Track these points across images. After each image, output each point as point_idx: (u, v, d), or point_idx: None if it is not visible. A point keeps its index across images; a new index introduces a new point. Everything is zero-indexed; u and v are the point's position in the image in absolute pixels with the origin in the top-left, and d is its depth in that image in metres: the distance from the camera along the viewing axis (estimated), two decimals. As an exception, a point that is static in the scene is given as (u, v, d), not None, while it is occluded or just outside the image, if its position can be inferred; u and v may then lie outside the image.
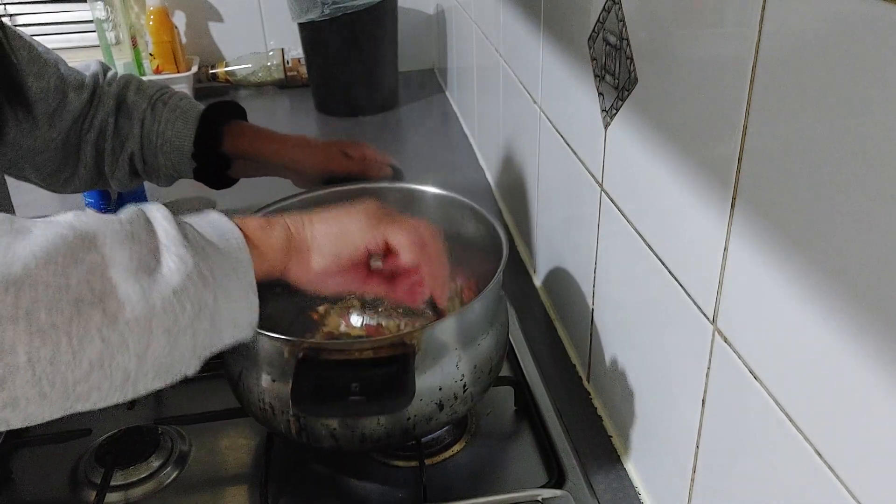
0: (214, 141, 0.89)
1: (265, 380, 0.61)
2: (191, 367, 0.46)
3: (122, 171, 0.86)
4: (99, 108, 0.89)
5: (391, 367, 0.57)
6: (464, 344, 0.62)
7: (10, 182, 1.37)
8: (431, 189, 0.78)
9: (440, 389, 0.61)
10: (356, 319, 0.78)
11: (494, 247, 0.69)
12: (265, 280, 0.51)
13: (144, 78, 0.95)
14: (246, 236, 0.50)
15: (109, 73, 0.94)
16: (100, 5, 1.54)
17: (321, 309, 0.79)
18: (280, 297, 0.78)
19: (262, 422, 0.64)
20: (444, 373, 0.61)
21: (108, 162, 0.87)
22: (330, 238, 0.53)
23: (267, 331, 0.58)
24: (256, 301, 0.49)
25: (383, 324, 0.77)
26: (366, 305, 0.79)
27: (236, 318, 0.49)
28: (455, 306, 0.76)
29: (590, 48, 0.67)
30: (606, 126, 0.65)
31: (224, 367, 0.66)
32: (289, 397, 0.56)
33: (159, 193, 1.21)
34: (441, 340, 0.61)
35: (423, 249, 0.56)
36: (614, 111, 0.63)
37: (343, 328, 0.76)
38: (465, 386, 0.63)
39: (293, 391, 0.55)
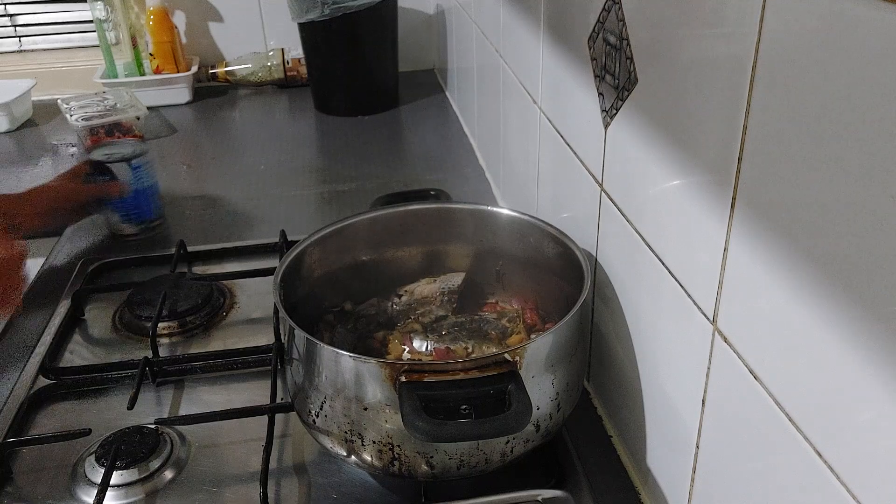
0: None
1: (354, 409, 0.58)
2: None
3: None
4: None
5: (502, 384, 0.53)
6: (559, 360, 0.60)
7: (14, 174, 1.37)
8: (501, 210, 0.78)
9: (538, 409, 0.58)
10: (419, 344, 0.75)
11: (561, 260, 0.68)
12: None
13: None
14: None
15: None
16: (100, 5, 1.54)
17: (379, 335, 0.76)
18: (334, 328, 0.76)
19: (345, 454, 0.61)
20: (541, 391, 0.59)
21: None
22: None
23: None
24: None
25: (451, 347, 0.73)
26: (427, 329, 0.76)
27: None
28: (519, 328, 0.75)
29: (590, 48, 0.67)
30: (606, 126, 0.65)
31: (294, 402, 0.64)
32: (384, 426, 0.55)
33: (167, 188, 1.21)
34: (541, 357, 0.59)
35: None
36: (614, 111, 0.63)
37: (407, 354, 0.73)
38: (559, 405, 0.61)
39: (403, 415, 0.52)
